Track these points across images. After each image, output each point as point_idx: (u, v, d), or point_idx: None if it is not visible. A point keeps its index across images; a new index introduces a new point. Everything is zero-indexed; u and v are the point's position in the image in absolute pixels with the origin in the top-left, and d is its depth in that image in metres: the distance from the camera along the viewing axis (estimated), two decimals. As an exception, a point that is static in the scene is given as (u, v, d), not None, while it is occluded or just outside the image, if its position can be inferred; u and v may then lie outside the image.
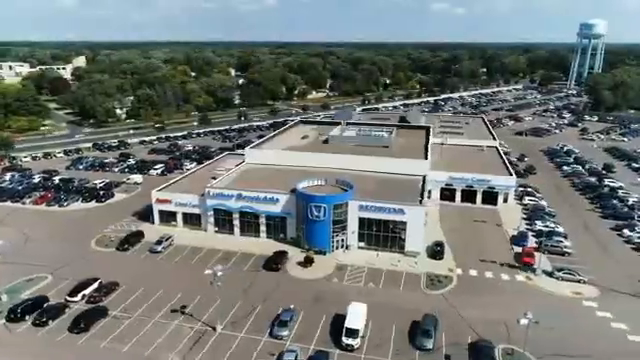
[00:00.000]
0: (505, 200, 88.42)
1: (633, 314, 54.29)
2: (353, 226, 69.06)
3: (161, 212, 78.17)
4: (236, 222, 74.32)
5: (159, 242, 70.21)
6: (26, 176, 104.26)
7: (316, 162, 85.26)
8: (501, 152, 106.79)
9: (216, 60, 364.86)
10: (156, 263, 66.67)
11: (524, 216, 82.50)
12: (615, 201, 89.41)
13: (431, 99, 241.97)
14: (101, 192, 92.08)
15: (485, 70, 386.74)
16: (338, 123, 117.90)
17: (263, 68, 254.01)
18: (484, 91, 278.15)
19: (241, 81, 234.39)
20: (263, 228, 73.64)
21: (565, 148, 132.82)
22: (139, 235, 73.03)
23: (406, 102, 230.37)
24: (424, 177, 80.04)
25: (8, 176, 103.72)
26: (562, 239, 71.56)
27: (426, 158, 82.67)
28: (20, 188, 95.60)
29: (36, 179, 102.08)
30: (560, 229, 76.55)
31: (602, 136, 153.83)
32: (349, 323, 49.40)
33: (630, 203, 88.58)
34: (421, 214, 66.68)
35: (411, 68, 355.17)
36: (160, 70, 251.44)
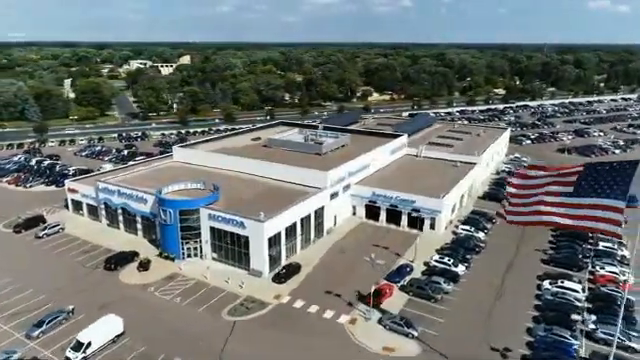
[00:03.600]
0: (432, 226, 75.27)
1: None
2: (206, 235, 65.16)
3: (73, 201, 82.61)
4: (120, 218, 75.31)
5: (44, 228, 74.39)
6: (29, 158, 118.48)
7: (233, 166, 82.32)
8: (474, 170, 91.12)
9: (308, 60, 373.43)
10: (27, 248, 70.53)
11: (438, 247, 69.58)
12: (580, 244, 70.27)
13: (500, 106, 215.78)
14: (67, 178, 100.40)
15: (606, 76, 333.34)
16: (317, 126, 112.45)
17: (327, 68, 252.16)
18: (576, 100, 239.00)
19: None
20: (139, 226, 73.41)
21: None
22: (38, 220, 78.02)
23: (465, 108, 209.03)
24: (318, 189, 72.07)
25: (17, 157, 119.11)
26: (441, 281, 58.49)
27: (327, 170, 73.98)
28: (13, 168, 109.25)
29: (33, 162, 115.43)
30: (459, 269, 62.70)
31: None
32: (80, 335, 46.81)
33: (600, 248, 68.91)
34: (262, 230, 59.98)
35: (511, 71, 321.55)
36: (234, 69, 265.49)
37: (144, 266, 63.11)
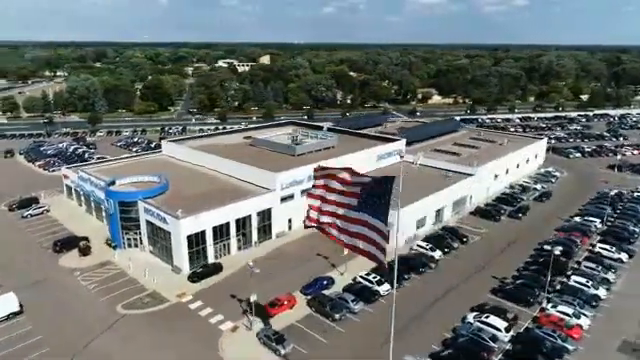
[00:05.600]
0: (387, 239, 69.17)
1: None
2: (144, 227, 66.77)
3: (67, 186, 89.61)
4: (92, 205, 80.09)
5: (30, 209, 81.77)
6: (68, 146, 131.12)
7: (206, 162, 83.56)
8: (463, 182, 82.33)
9: (385, 61, 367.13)
10: (9, 225, 77.79)
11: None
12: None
13: (573, 113, 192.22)
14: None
15: None
16: (322, 127, 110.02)
17: (389, 69, 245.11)
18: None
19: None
20: (103, 214, 77.35)
21: (636, 194, 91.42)
22: (32, 201, 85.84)
23: (529, 115, 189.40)
24: (268, 190, 70.24)
25: (61, 144, 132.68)
26: (348, 299, 53.68)
27: (278, 172, 71.58)
28: (51, 153, 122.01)
29: (71, 149, 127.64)
30: (381, 288, 57.01)
31: None
32: (-28, 307, 50.63)
33: (571, 283, 58.23)
34: (179, 227, 59.85)
35: (608, 75, 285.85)
36: (299, 69, 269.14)
37: (83, 252, 66.32)
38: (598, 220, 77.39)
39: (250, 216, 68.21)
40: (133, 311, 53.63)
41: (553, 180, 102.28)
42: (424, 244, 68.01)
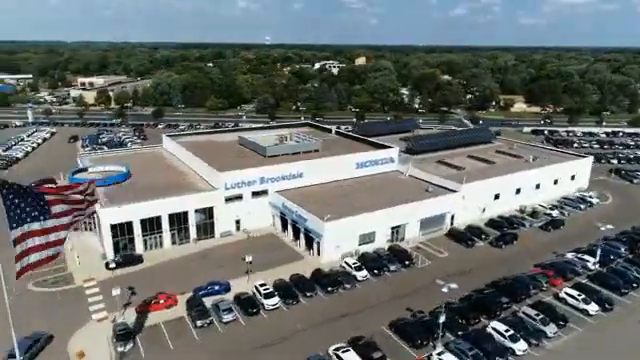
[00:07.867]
0: (319, 251, 64.79)
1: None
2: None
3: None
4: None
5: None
6: (122, 135, 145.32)
7: (183, 157, 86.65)
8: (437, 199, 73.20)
9: (485, 64, 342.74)
10: None
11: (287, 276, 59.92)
12: (471, 317, 50.61)
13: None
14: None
15: None
16: (330, 130, 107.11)
17: (470, 73, 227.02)
18: None
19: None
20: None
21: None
22: (49, 181, 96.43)
23: (621, 129, 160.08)
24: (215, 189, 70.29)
25: (119, 134, 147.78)
26: (221, 307, 51.36)
27: (223, 171, 70.78)
28: (103, 141, 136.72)
29: (122, 138, 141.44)
30: (269, 302, 53.27)
31: None
32: None
33: (488, 330, 48.51)
34: (103, 216, 62.76)
35: None
36: (382, 70, 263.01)
37: (44, 230, 72.95)
38: (592, 260, 63.09)
39: (187, 212, 68.78)
40: (38, 289, 57.69)
41: (582, 207, 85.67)
42: (352, 261, 62.05)
